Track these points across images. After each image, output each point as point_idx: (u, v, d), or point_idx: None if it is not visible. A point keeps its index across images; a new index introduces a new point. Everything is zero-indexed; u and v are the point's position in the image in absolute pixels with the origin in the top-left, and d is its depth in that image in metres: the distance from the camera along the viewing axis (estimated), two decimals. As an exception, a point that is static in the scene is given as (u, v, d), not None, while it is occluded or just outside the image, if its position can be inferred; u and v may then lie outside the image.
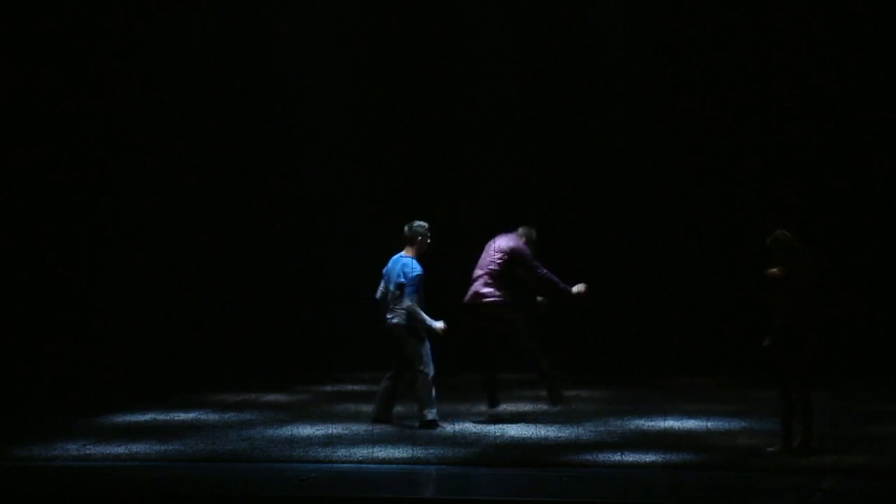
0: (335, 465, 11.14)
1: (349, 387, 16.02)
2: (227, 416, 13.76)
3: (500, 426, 12.78)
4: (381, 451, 11.53)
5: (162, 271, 18.00)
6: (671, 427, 12.82)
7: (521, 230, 13.57)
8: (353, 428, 12.77)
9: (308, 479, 10.46)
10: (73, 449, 11.77)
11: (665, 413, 13.56)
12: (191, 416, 13.74)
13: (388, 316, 12.96)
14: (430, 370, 12.76)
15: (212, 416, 13.73)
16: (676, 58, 17.76)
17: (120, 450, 11.75)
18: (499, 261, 13.26)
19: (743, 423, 12.87)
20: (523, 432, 12.49)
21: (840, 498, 10.02)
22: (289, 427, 12.87)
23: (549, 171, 18.21)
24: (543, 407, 13.51)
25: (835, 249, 16.31)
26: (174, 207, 18.16)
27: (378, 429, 12.71)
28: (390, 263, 13.09)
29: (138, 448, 11.79)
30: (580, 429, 12.65)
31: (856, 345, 16.36)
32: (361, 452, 11.47)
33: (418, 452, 11.48)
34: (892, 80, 17.06)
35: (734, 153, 17.53)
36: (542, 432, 12.47)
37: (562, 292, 13.34)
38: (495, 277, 13.22)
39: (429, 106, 18.46)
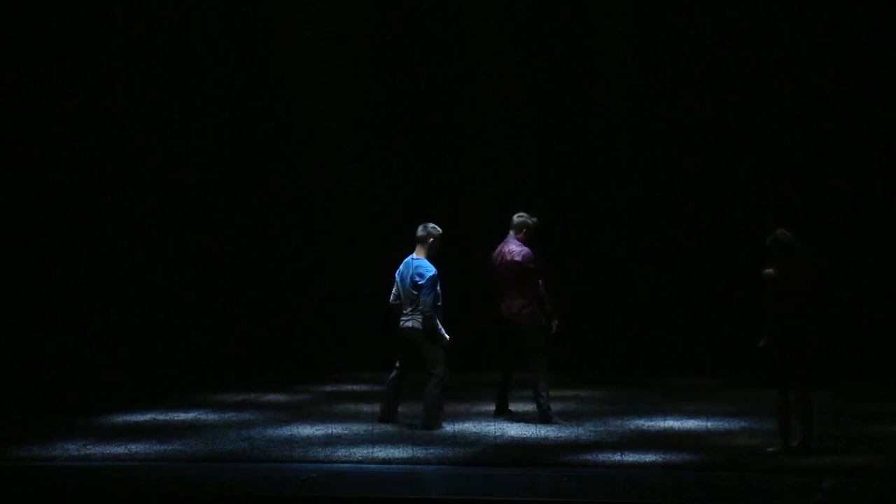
0: (335, 465, 11.14)
1: (349, 387, 16.02)
2: (226, 416, 13.76)
3: (500, 426, 12.79)
4: (381, 451, 11.53)
5: (162, 271, 18.00)
6: (671, 427, 12.82)
7: (517, 220, 13.38)
8: (353, 428, 12.77)
9: (308, 479, 10.46)
10: (73, 449, 11.77)
11: (665, 413, 13.56)
12: (191, 416, 13.74)
13: (403, 319, 12.90)
14: (446, 374, 12.73)
15: (212, 416, 13.73)
16: (676, 58, 17.76)
17: (120, 450, 11.75)
18: (517, 276, 13.17)
19: (743, 423, 12.87)
20: (523, 432, 12.49)
21: (840, 498, 10.02)
22: (289, 427, 12.87)
23: (549, 171, 18.20)
24: (554, 409, 13.49)
25: (835, 249, 16.30)
26: (174, 207, 18.16)
27: (378, 429, 12.71)
28: (403, 266, 13.03)
29: (138, 448, 11.79)
30: (580, 429, 12.65)
31: (856, 345, 16.35)
32: (361, 452, 11.48)
33: (418, 452, 11.48)
34: (892, 80, 17.05)
35: (734, 153, 17.53)
36: (542, 432, 12.47)
37: (542, 311, 13.29)
38: (523, 292, 13.15)
39: (429, 106, 18.45)
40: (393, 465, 11.14)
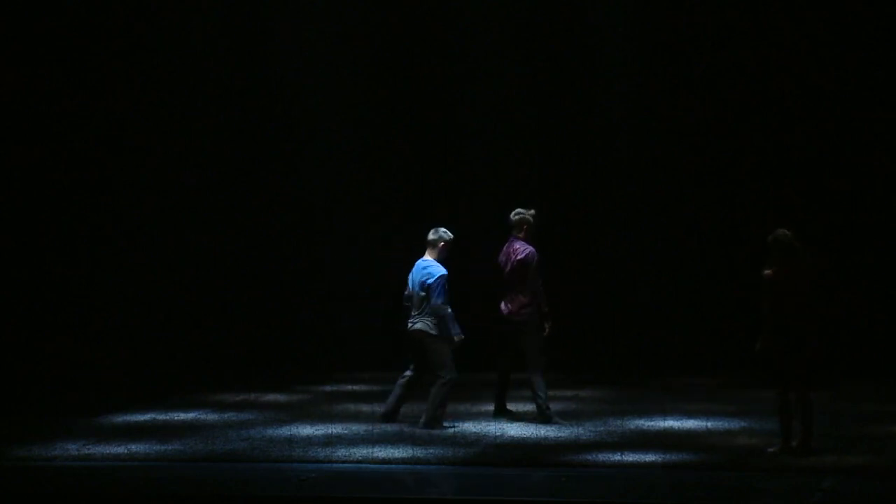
0: (335, 465, 11.14)
1: (349, 387, 16.02)
2: (226, 416, 13.76)
3: (500, 426, 12.79)
4: (380, 451, 11.53)
5: (162, 271, 18.00)
6: (671, 427, 12.83)
7: (515, 217, 13.32)
8: (353, 428, 12.77)
9: (308, 479, 10.46)
10: (73, 449, 11.77)
11: (665, 413, 13.56)
12: (190, 416, 13.74)
13: (411, 321, 12.91)
14: (454, 376, 12.74)
15: (211, 416, 13.73)
16: (676, 58, 17.76)
17: (120, 450, 11.75)
18: (521, 275, 13.14)
19: (743, 423, 12.88)
20: (523, 432, 12.49)
21: (840, 498, 10.02)
22: (289, 427, 12.88)
23: (549, 171, 18.20)
24: (553, 409, 13.50)
25: (835, 249, 16.31)
26: (174, 207, 18.16)
27: (378, 429, 12.71)
28: (414, 269, 13.04)
29: (138, 448, 11.79)
30: (580, 429, 12.65)
31: (856, 345, 16.36)
32: (361, 452, 11.48)
33: (418, 452, 11.48)
34: (892, 80, 17.05)
35: (734, 153, 17.53)
36: (542, 432, 12.47)
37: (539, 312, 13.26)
38: (524, 291, 13.13)
39: (429, 106, 18.46)
40: (393, 465, 11.14)
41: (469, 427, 12.78)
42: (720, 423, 13.00)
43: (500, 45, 18.13)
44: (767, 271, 11.23)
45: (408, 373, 13.08)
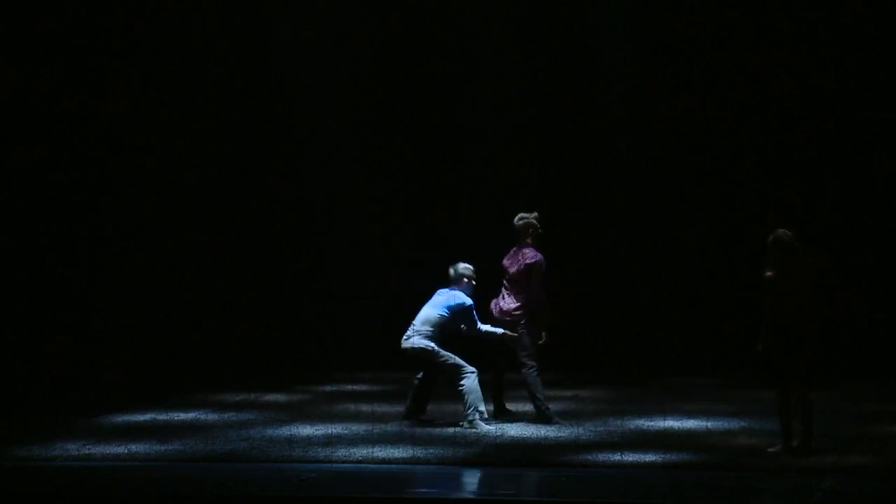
0: (335, 465, 11.14)
1: (349, 387, 16.01)
2: (226, 416, 13.75)
3: (500, 426, 12.78)
4: (380, 451, 11.53)
5: (162, 271, 18.01)
6: (671, 427, 12.82)
7: (520, 223, 13.22)
8: (353, 428, 12.77)
9: (308, 479, 10.46)
10: (73, 449, 11.76)
11: (665, 413, 13.56)
12: (190, 416, 13.74)
13: (407, 337, 12.93)
14: (472, 368, 12.77)
15: (211, 416, 13.72)
16: (676, 58, 17.77)
17: (120, 450, 11.74)
18: (524, 279, 13.10)
19: (743, 423, 12.87)
20: (523, 432, 12.49)
21: (840, 498, 10.02)
22: (289, 427, 12.87)
23: (549, 171, 18.21)
24: (552, 408, 13.50)
25: (835, 249, 16.31)
26: (174, 207, 18.17)
27: (378, 429, 12.71)
28: (437, 293, 13.11)
29: (138, 448, 11.79)
30: (580, 429, 12.65)
31: (856, 345, 16.36)
32: (361, 452, 11.47)
33: (418, 452, 11.48)
34: (892, 80, 17.06)
35: (734, 153, 17.54)
36: (542, 432, 12.47)
37: (541, 318, 13.22)
38: (522, 295, 13.10)
39: (429, 106, 18.46)
40: (393, 465, 11.14)
41: (469, 427, 12.76)
42: (720, 423, 12.99)
43: (500, 45, 18.13)
44: (768, 272, 11.23)
45: (420, 375, 13.09)
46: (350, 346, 17.73)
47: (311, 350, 17.91)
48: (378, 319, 17.02)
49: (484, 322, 13.09)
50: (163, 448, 11.80)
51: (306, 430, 12.66)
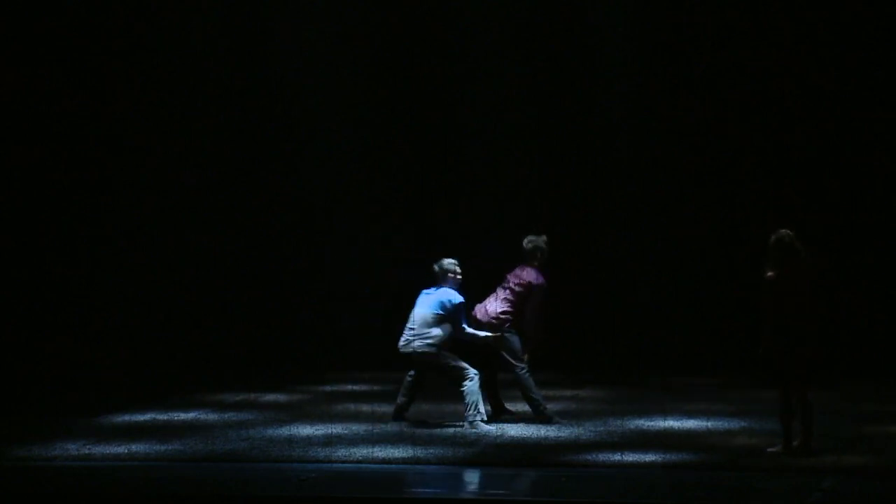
0: (335, 465, 11.14)
1: (349, 387, 16.02)
2: (226, 416, 13.75)
3: (500, 426, 12.78)
4: (381, 451, 11.53)
5: (162, 271, 18.01)
6: (671, 427, 12.82)
7: (528, 245, 13.25)
8: (353, 428, 12.77)
9: (308, 479, 10.46)
10: (73, 449, 11.76)
11: (665, 413, 13.56)
12: (191, 416, 13.74)
13: (406, 340, 12.91)
14: (476, 370, 12.77)
15: (211, 416, 13.72)
16: (676, 58, 17.76)
17: (120, 450, 11.74)
18: (521, 295, 13.10)
19: (743, 423, 12.87)
20: (523, 432, 12.49)
21: (840, 498, 10.02)
22: (289, 427, 12.87)
23: (549, 171, 18.21)
24: (550, 407, 13.50)
25: (835, 249, 16.31)
26: (174, 207, 18.17)
27: (378, 429, 12.71)
28: (424, 294, 13.07)
29: (138, 448, 11.79)
30: (580, 429, 12.65)
31: (856, 345, 16.36)
32: (361, 452, 11.47)
33: (418, 452, 11.48)
34: (892, 80, 17.06)
35: (734, 153, 17.54)
36: (542, 432, 12.47)
37: (530, 335, 13.22)
38: (511, 304, 13.09)
39: (429, 106, 18.46)
40: (393, 465, 11.14)
41: (469, 427, 12.76)
42: (720, 423, 12.99)
43: (500, 45, 18.13)
44: (768, 272, 11.22)
45: (412, 372, 13.09)
46: (350, 346, 17.73)
47: (311, 350, 17.91)
48: (378, 319, 17.01)
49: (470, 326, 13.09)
50: (163, 448, 11.80)
51: (306, 430, 12.66)
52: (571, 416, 13.31)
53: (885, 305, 16.88)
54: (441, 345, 12.83)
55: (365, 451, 11.50)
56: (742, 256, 16.05)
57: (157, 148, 18.16)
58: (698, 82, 17.61)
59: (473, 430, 12.48)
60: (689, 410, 13.75)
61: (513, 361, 12.97)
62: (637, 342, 17.56)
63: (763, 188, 17.36)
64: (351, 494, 10.32)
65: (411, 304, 13.13)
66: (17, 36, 17.50)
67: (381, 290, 17.67)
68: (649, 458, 11.17)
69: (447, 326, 12.87)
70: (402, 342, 12.96)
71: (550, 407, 13.30)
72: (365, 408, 14.04)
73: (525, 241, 13.29)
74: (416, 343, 12.86)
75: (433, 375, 13.05)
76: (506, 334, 12.99)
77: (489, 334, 12.95)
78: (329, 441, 12.06)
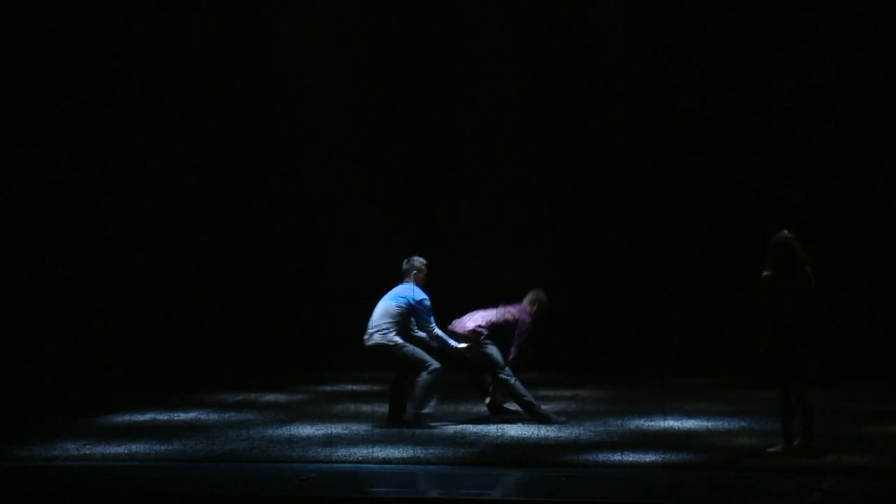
0: (335, 465, 11.14)
1: (349, 387, 16.02)
2: (226, 416, 13.76)
3: (500, 426, 12.78)
4: (380, 451, 11.53)
5: (162, 271, 18.01)
6: (671, 427, 12.82)
7: (531, 295, 13.30)
8: (353, 428, 12.77)
9: (308, 479, 10.46)
10: (73, 449, 11.77)
11: (665, 413, 13.56)
12: (191, 416, 13.74)
13: (368, 334, 12.93)
14: (438, 364, 12.78)
15: (212, 416, 13.73)
16: (676, 58, 17.76)
17: (120, 450, 11.75)
18: (502, 317, 13.12)
19: (743, 423, 12.87)
20: (523, 432, 12.49)
21: (840, 498, 10.02)
22: (289, 427, 12.87)
23: (549, 171, 18.20)
24: (545, 407, 13.51)
25: (835, 249, 16.30)
26: (174, 207, 18.18)
27: (378, 429, 12.71)
28: (391, 292, 13.08)
29: (138, 448, 11.79)
30: (580, 429, 12.65)
31: (856, 345, 16.35)
32: (361, 452, 11.48)
33: (418, 452, 11.48)
34: (892, 80, 17.05)
35: (734, 153, 17.53)
36: (542, 432, 12.47)
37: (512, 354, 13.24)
38: (489, 325, 13.11)
39: (429, 106, 18.46)
40: (393, 465, 11.14)
41: (469, 427, 12.78)
42: (720, 423, 12.99)
43: (500, 45, 18.13)
44: (767, 272, 11.22)
45: (395, 376, 13.12)
46: (350, 346, 17.66)
47: (311, 350, 17.91)
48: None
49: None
50: (163, 448, 11.80)
51: (306, 430, 12.66)
52: (571, 416, 13.31)
53: (885, 305, 16.88)
54: (402, 335, 12.81)
55: (365, 451, 11.50)
56: (742, 256, 16.05)
57: (157, 148, 18.16)
58: (698, 82, 17.61)
59: (416, 425, 12.48)
60: (689, 410, 13.75)
61: (496, 369, 12.97)
62: (637, 342, 17.55)
63: (763, 188, 17.36)
64: (351, 494, 10.32)
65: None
66: (17, 36, 17.51)
67: (381, 290, 17.64)
68: (649, 458, 11.17)
69: (409, 321, 12.84)
70: (365, 336, 12.97)
71: (549, 407, 13.29)
72: (365, 408, 14.05)
73: (531, 292, 13.36)
74: (376, 336, 12.87)
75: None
76: (482, 347, 12.98)
77: (462, 345, 12.92)
78: (329, 441, 12.07)
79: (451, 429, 12.65)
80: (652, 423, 12.97)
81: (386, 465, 11.12)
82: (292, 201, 18.55)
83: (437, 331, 12.94)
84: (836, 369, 15.08)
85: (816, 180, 17.19)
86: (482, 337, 13.02)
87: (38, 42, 17.56)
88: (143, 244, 18.00)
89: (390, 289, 13.27)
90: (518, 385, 12.95)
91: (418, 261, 13.21)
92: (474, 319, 13.12)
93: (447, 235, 17.81)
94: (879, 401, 14.35)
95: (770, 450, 11.33)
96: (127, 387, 15.75)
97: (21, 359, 16.55)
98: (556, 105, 18.18)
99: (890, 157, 17.00)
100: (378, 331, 12.93)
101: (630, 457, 11.21)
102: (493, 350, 13.01)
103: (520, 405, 12.99)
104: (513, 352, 13.09)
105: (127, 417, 13.61)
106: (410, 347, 12.84)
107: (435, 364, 12.78)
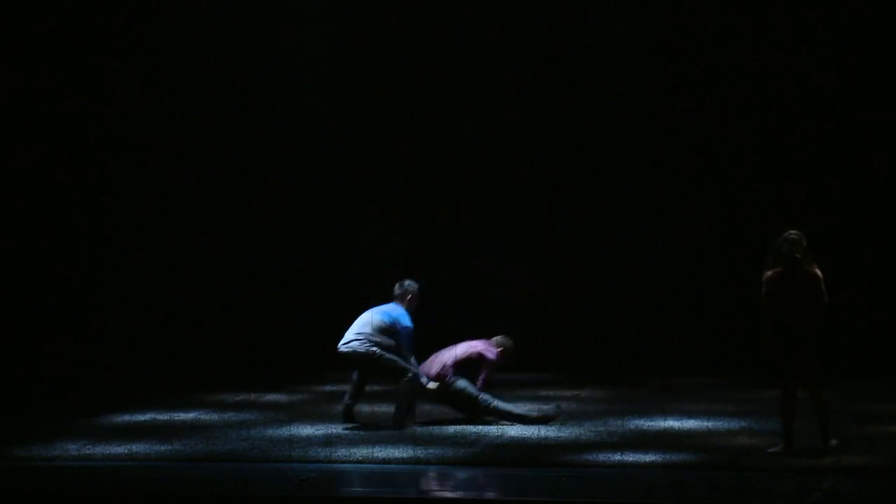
0: (335, 465, 11.14)
1: (349, 387, 15.97)
2: (227, 416, 13.76)
3: (500, 426, 12.78)
4: (381, 451, 11.53)
5: (162, 271, 18.01)
6: (671, 427, 12.82)
7: (499, 339, 13.31)
8: (353, 428, 12.77)
9: (308, 479, 10.46)
10: (73, 449, 11.77)
11: (665, 413, 13.56)
12: (191, 416, 13.74)
13: (347, 340, 12.90)
14: (416, 369, 12.78)
15: (212, 416, 13.73)
16: (676, 58, 17.76)
17: (120, 450, 11.75)
18: (466, 354, 13.11)
19: (743, 423, 12.87)
20: (523, 432, 12.49)
21: (840, 498, 10.02)
22: (289, 427, 12.87)
23: (549, 171, 18.20)
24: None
25: (835, 249, 16.29)
26: (174, 207, 18.17)
27: (378, 429, 12.70)
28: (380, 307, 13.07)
29: (138, 448, 11.79)
30: (580, 429, 12.65)
31: (856, 345, 16.35)
32: (361, 452, 11.47)
33: (418, 452, 11.48)
34: (892, 80, 17.05)
35: (734, 153, 17.53)
36: (542, 432, 12.46)
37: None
38: (454, 361, 13.09)
39: (429, 106, 18.46)
40: (393, 465, 11.13)
41: (469, 427, 12.77)
42: (720, 423, 12.99)
43: (500, 45, 18.13)
44: (768, 273, 11.22)
45: (355, 376, 13.12)
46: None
47: (311, 350, 17.89)
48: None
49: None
50: (163, 448, 11.80)
51: (306, 430, 12.66)
52: (571, 417, 13.31)
53: (885, 305, 16.88)
54: (383, 347, 12.78)
55: (365, 451, 11.50)
56: (742, 256, 16.05)
57: (157, 148, 18.16)
58: (698, 82, 17.61)
59: (397, 429, 12.49)
60: (689, 410, 13.74)
61: (475, 403, 12.90)
62: (637, 342, 17.55)
63: (763, 188, 17.36)
64: (351, 494, 10.31)
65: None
66: (17, 36, 17.50)
67: (381, 290, 17.64)
68: (649, 458, 11.17)
69: (391, 340, 12.83)
70: (341, 342, 12.93)
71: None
72: (365, 408, 14.04)
73: (501, 336, 13.35)
74: (355, 343, 12.83)
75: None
76: (452, 386, 12.94)
77: (434, 384, 12.89)
78: (329, 441, 12.07)
79: (451, 429, 12.66)
80: (652, 423, 12.97)
81: (386, 465, 11.12)
82: (292, 201, 18.55)
83: (413, 365, 12.86)
84: (836, 369, 15.09)
85: (816, 180, 17.19)
86: (448, 378, 12.98)
87: (38, 42, 17.56)
88: (143, 244, 18.00)
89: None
90: (500, 404, 12.91)
91: (411, 285, 13.16)
92: (440, 360, 13.05)
93: (447, 235, 17.81)
94: (879, 401, 14.35)
95: (770, 450, 11.33)
96: (127, 387, 15.76)
97: (21, 359, 16.55)
98: (556, 105, 18.18)
99: (890, 157, 17.00)
100: (358, 339, 12.87)
101: (630, 457, 11.21)
102: (463, 384, 12.94)
103: (513, 421, 12.93)
104: (479, 384, 13.05)
105: (127, 417, 13.61)
106: (389, 356, 12.81)
107: (414, 369, 12.78)
